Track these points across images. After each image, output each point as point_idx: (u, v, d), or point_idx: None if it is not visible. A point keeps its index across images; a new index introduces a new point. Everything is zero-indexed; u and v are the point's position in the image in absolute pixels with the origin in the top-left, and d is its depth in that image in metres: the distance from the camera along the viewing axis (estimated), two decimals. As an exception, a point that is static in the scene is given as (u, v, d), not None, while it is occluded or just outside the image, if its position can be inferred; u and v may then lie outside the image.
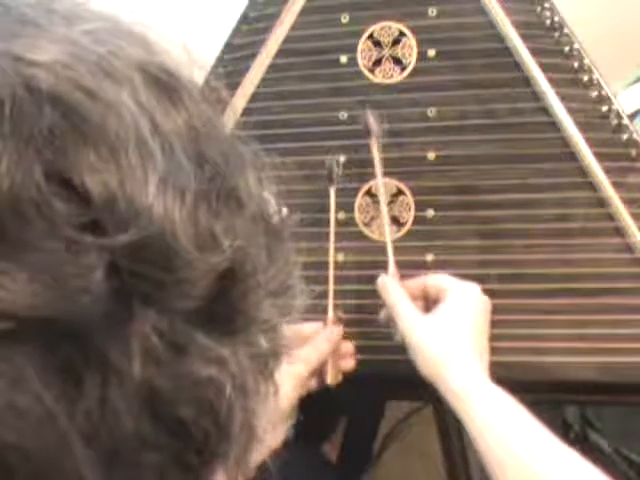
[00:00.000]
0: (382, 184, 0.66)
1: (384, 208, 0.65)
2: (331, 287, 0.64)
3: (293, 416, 0.58)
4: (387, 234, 0.65)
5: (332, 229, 0.66)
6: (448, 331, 0.56)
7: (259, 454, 0.51)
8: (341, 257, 0.68)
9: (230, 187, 0.23)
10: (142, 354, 0.20)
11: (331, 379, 0.61)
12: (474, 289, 0.59)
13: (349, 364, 0.63)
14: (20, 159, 0.18)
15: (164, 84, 0.23)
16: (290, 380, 0.56)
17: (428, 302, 0.61)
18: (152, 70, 0.22)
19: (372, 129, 0.65)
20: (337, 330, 0.62)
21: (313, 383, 0.61)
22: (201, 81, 0.26)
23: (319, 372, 0.61)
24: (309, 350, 0.59)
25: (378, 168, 0.65)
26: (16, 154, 0.18)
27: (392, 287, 0.61)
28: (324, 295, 0.64)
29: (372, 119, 0.65)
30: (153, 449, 0.21)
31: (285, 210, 0.27)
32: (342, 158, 0.70)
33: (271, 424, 0.52)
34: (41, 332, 0.18)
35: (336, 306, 0.66)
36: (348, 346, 0.63)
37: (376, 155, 0.65)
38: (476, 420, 0.52)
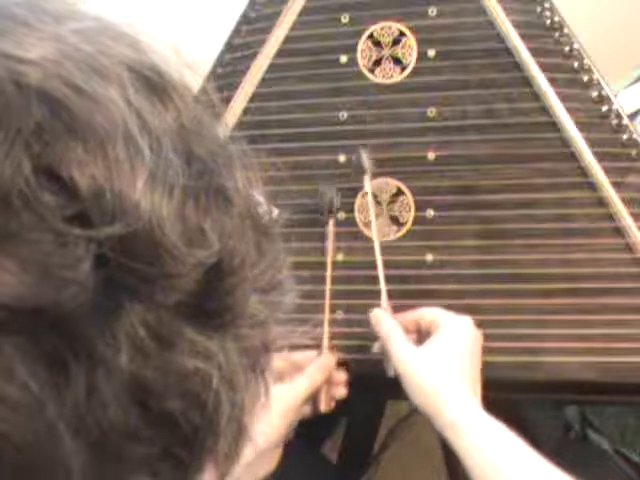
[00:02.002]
0: (374, 210, 0.66)
1: (377, 250, 0.65)
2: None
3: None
4: (380, 273, 0.64)
5: (329, 260, 0.66)
6: (441, 363, 0.56)
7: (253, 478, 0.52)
8: (341, 257, 0.69)
9: (218, 184, 0.23)
10: (129, 346, 0.20)
11: (324, 407, 0.62)
12: (466, 322, 0.59)
13: (342, 392, 0.63)
14: (8, 153, 0.19)
15: (153, 83, 0.23)
16: (283, 409, 0.56)
17: (421, 335, 0.61)
18: (141, 69, 0.23)
19: (365, 167, 0.66)
20: (330, 360, 0.62)
21: (306, 410, 0.61)
22: (196, 82, 0.26)
23: (312, 399, 0.61)
24: (302, 380, 0.59)
25: (371, 205, 0.66)
26: (4, 148, 0.19)
27: (385, 320, 0.60)
28: (321, 296, 0.64)
29: (365, 157, 0.66)
30: (141, 441, 0.21)
31: (275, 209, 0.27)
32: (342, 158, 0.70)
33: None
34: (29, 322, 0.18)
35: (336, 306, 0.66)
36: (341, 375, 0.63)
37: (370, 192, 0.66)
38: (472, 452, 0.52)
